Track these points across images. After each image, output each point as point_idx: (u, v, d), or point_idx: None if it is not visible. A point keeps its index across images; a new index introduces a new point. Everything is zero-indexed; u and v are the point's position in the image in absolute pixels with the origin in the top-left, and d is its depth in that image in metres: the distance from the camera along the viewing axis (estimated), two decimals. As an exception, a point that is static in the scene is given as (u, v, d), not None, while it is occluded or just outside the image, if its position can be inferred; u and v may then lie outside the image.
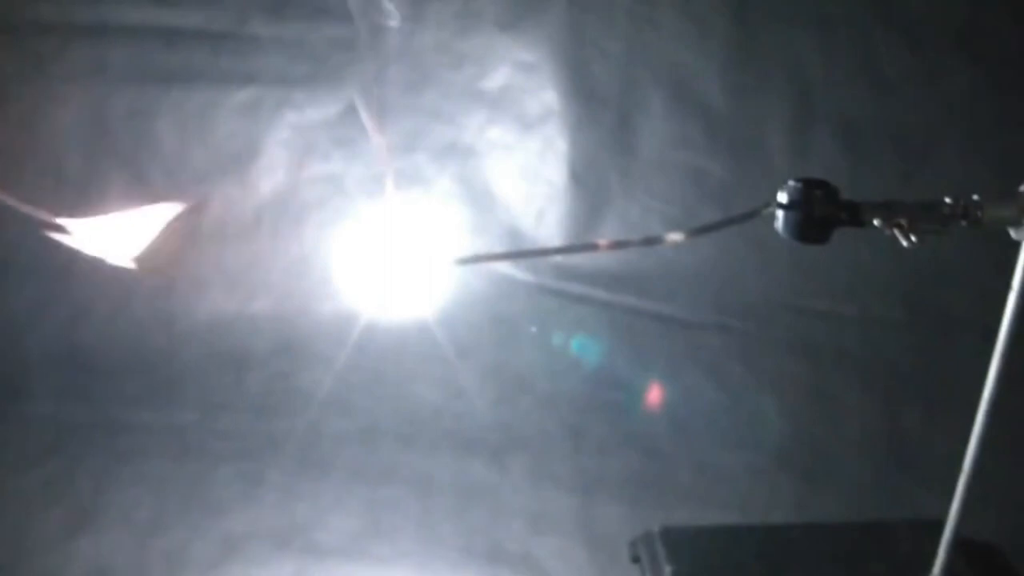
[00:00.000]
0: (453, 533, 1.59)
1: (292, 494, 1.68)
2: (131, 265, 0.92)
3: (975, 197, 1.00)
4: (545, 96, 2.31)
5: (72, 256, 2.24)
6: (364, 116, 1.00)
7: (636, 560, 1.46)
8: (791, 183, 1.00)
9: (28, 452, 1.77)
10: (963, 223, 1.00)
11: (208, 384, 2.00)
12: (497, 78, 2.31)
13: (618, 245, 1.00)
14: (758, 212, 0.99)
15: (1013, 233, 1.01)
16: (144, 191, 2.27)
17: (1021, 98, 2.16)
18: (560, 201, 2.34)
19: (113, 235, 0.94)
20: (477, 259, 1.05)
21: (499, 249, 2.27)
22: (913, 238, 0.98)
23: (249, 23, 2.22)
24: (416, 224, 1.05)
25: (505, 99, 2.32)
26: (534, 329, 2.19)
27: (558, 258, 2.34)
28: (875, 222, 0.99)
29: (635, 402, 1.98)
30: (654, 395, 2.01)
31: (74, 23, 2.18)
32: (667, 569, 1.35)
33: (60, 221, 0.92)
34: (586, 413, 1.92)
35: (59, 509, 1.63)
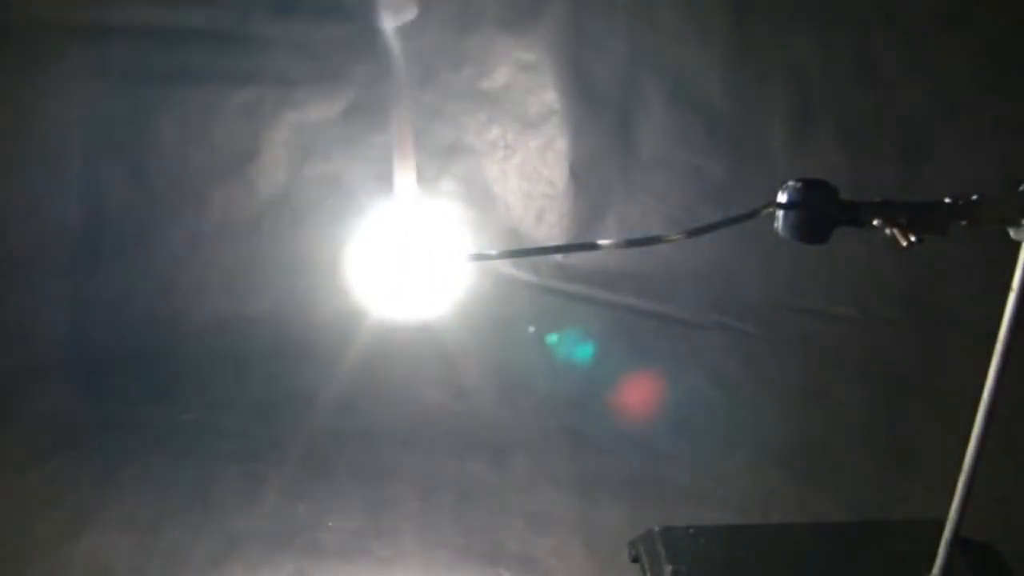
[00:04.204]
0: (453, 533, 1.59)
1: (292, 494, 1.68)
2: None
3: (975, 197, 1.00)
4: (545, 96, 2.32)
5: (73, 255, 2.25)
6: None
7: (636, 560, 1.46)
8: (791, 183, 1.00)
9: (29, 451, 1.77)
10: (963, 223, 1.00)
11: (209, 384, 2.00)
12: (497, 78, 2.31)
13: (618, 245, 1.00)
14: (758, 212, 0.99)
15: (1013, 233, 1.01)
16: (144, 191, 2.27)
17: (1021, 98, 2.16)
18: (560, 201, 2.34)
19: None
20: (479, 258, 1.05)
21: (499, 249, 2.27)
22: (913, 238, 0.98)
23: (250, 23, 2.22)
24: (417, 224, 1.05)
25: (505, 99, 2.32)
26: (532, 329, 2.19)
27: (558, 258, 2.34)
28: (875, 222, 0.99)
29: (635, 401, 1.98)
30: (652, 394, 2.01)
31: (74, 23, 2.18)
32: (667, 569, 1.35)
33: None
34: (586, 413, 1.92)
35: (60, 509, 1.63)
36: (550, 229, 2.34)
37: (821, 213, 0.99)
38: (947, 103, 2.20)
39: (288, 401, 1.94)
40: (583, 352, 2.14)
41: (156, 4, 2.19)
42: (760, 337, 2.15)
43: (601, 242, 1.04)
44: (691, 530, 1.43)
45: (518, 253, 2.17)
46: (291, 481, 1.71)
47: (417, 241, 1.04)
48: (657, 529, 1.43)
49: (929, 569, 1.26)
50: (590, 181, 2.33)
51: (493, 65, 2.31)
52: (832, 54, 2.22)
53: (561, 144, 2.33)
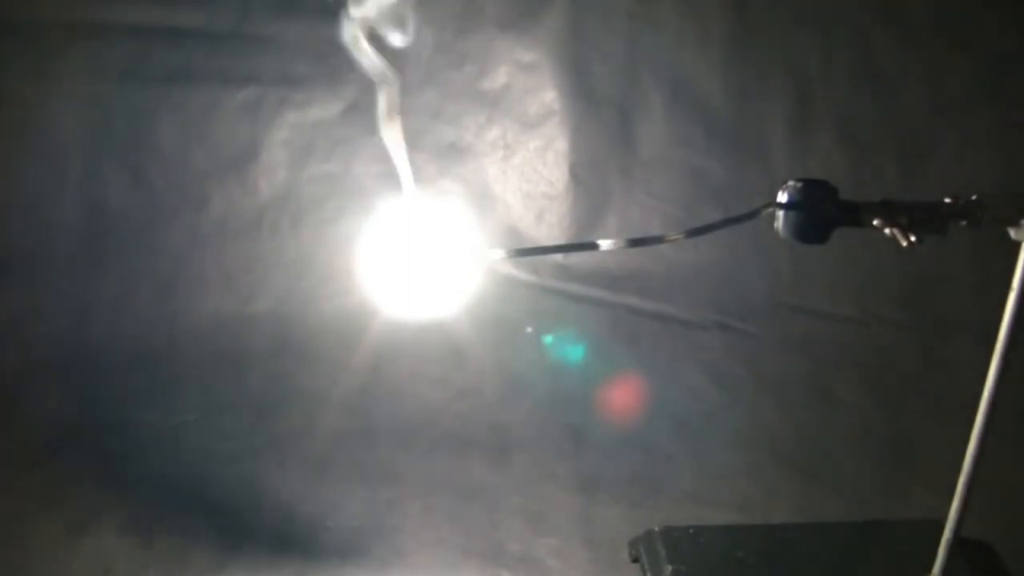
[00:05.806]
0: (453, 533, 1.59)
1: (292, 494, 1.68)
2: None
3: (975, 197, 1.00)
4: (545, 96, 2.32)
5: (73, 255, 2.25)
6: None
7: (636, 560, 1.46)
8: (791, 183, 1.00)
9: (28, 452, 1.77)
10: (963, 223, 1.00)
11: (209, 384, 2.00)
12: (497, 78, 2.31)
13: (618, 245, 1.00)
14: (758, 212, 0.99)
15: (1013, 233, 1.01)
16: (144, 191, 2.27)
17: (1021, 98, 2.16)
18: (560, 201, 2.34)
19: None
20: (480, 258, 1.05)
21: (498, 249, 2.27)
22: (913, 238, 0.98)
23: (250, 23, 2.22)
24: (417, 224, 1.05)
25: (505, 99, 2.32)
26: (530, 329, 2.19)
27: (558, 258, 2.34)
28: (875, 222, 0.99)
29: (635, 401, 1.98)
30: (652, 394, 2.01)
31: (74, 23, 2.18)
32: (667, 569, 1.35)
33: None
34: (586, 413, 1.92)
35: (60, 509, 1.63)
36: (550, 229, 2.34)
37: (821, 213, 0.99)
38: (947, 103, 2.20)
39: (288, 401, 1.94)
40: (575, 353, 2.14)
41: (156, 4, 2.19)
42: (760, 337, 2.15)
43: (601, 242, 1.04)
44: (691, 530, 1.43)
45: (518, 253, 2.17)
46: (291, 481, 1.71)
47: (417, 242, 1.04)
48: (657, 529, 1.43)
49: (929, 569, 1.26)
50: (590, 181, 2.33)
51: (493, 65, 2.31)
52: (832, 54, 2.22)
53: (561, 144, 2.33)
